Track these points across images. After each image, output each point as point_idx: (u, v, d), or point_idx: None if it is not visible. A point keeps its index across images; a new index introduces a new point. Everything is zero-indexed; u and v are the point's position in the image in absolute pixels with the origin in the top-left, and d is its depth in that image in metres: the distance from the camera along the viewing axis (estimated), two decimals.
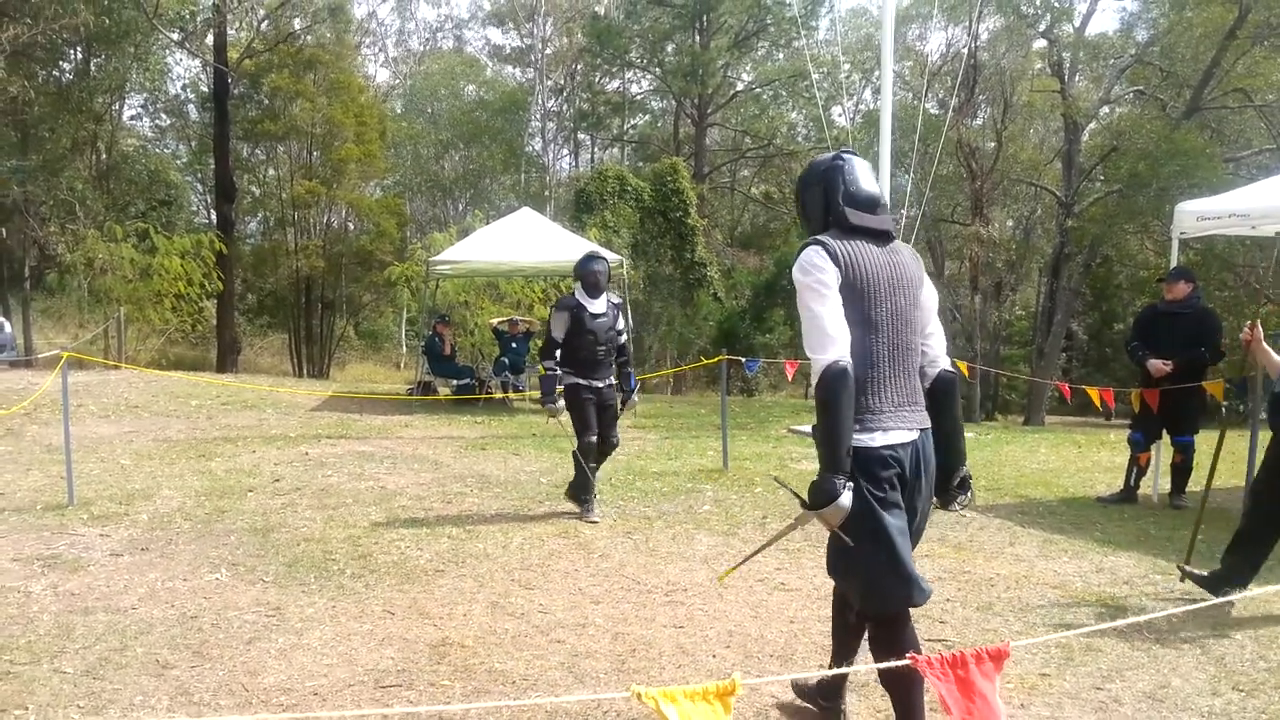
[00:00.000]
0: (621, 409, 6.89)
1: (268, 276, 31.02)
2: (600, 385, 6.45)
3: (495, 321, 15.24)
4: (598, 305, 6.40)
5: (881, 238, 3.01)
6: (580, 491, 6.59)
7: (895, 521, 2.89)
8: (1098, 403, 9.29)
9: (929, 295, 3.12)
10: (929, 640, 4.26)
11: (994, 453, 10.44)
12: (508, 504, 7.03)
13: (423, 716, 3.42)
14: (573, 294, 6.54)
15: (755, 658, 4.04)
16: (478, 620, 4.49)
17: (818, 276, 2.86)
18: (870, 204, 3.00)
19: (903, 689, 3.01)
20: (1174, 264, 7.67)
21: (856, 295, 2.87)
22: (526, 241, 13.06)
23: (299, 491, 7.42)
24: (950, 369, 3.20)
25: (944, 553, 5.84)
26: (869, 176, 3.06)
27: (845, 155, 3.09)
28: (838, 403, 2.76)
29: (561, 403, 6.38)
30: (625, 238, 22.53)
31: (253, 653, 4.03)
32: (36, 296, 24.14)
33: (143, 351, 21.65)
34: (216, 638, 4.19)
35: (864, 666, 3.88)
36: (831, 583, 3.63)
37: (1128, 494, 7.58)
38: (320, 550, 5.68)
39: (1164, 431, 7.44)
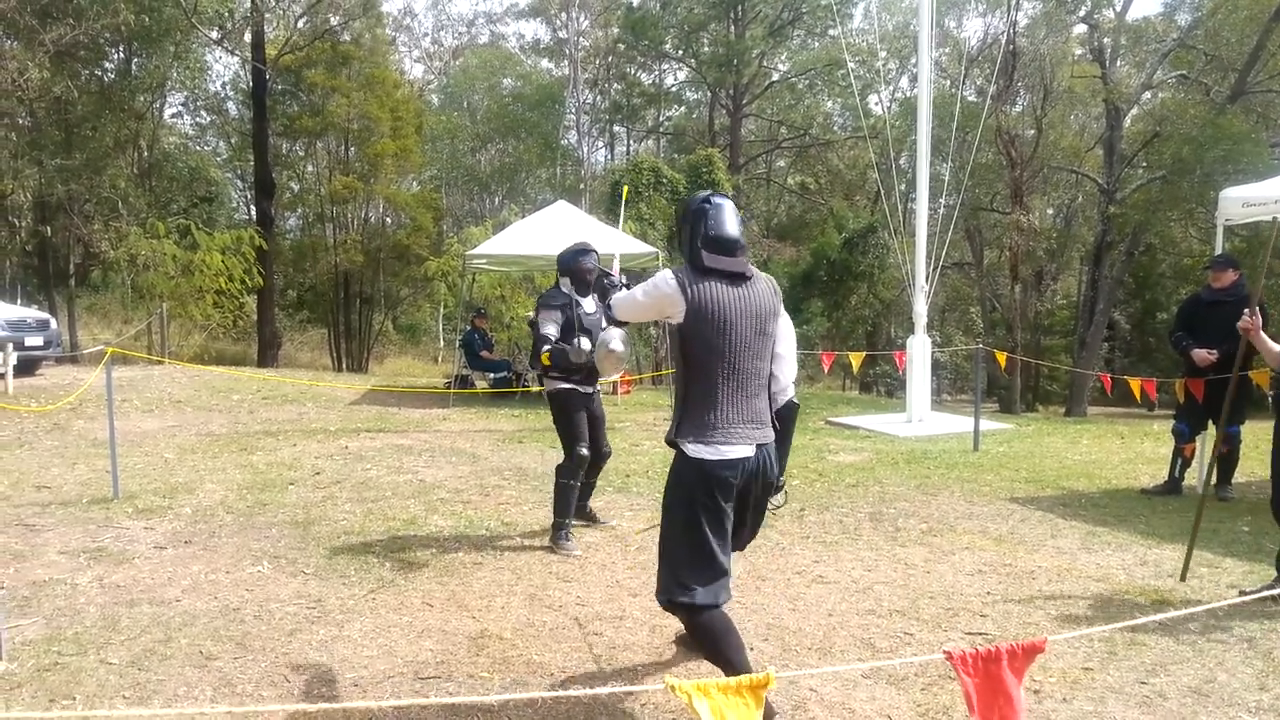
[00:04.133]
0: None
1: (307, 272, 31.31)
2: (589, 391, 5.82)
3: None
4: (588, 304, 5.75)
5: (736, 279, 3.25)
6: (562, 513, 5.72)
7: (713, 527, 3.21)
8: (1139, 394, 9.15)
9: (783, 326, 3.45)
10: (968, 634, 4.23)
11: (1036, 444, 10.30)
12: (545, 496, 7.01)
13: (461, 708, 3.44)
14: (557, 287, 5.85)
15: (793, 650, 4.03)
16: (516, 612, 4.51)
17: (656, 285, 3.24)
18: (729, 247, 3.25)
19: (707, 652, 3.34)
20: (1219, 251, 7.53)
21: (704, 321, 3.16)
22: (562, 234, 13.01)
23: (339, 485, 7.50)
24: (795, 400, 3.60)
25: (985, 545, 5.78)
26: (732, 220, 3.30)
27: (714, 200, 3.33)
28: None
29: (586, 342, 5.32)
30: (661, 230, 22.50)
31: (294, 644, 4.08)
32: (81, 293, 24.58)
33: (185, 347, 21.98)
34: (259, 629, 4.25)
35: (899, 660, 3.86)
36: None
37: (1172, 485, 7.45)
38: (360, 543, 5.74)
39: (1209, 422, 7.31)
